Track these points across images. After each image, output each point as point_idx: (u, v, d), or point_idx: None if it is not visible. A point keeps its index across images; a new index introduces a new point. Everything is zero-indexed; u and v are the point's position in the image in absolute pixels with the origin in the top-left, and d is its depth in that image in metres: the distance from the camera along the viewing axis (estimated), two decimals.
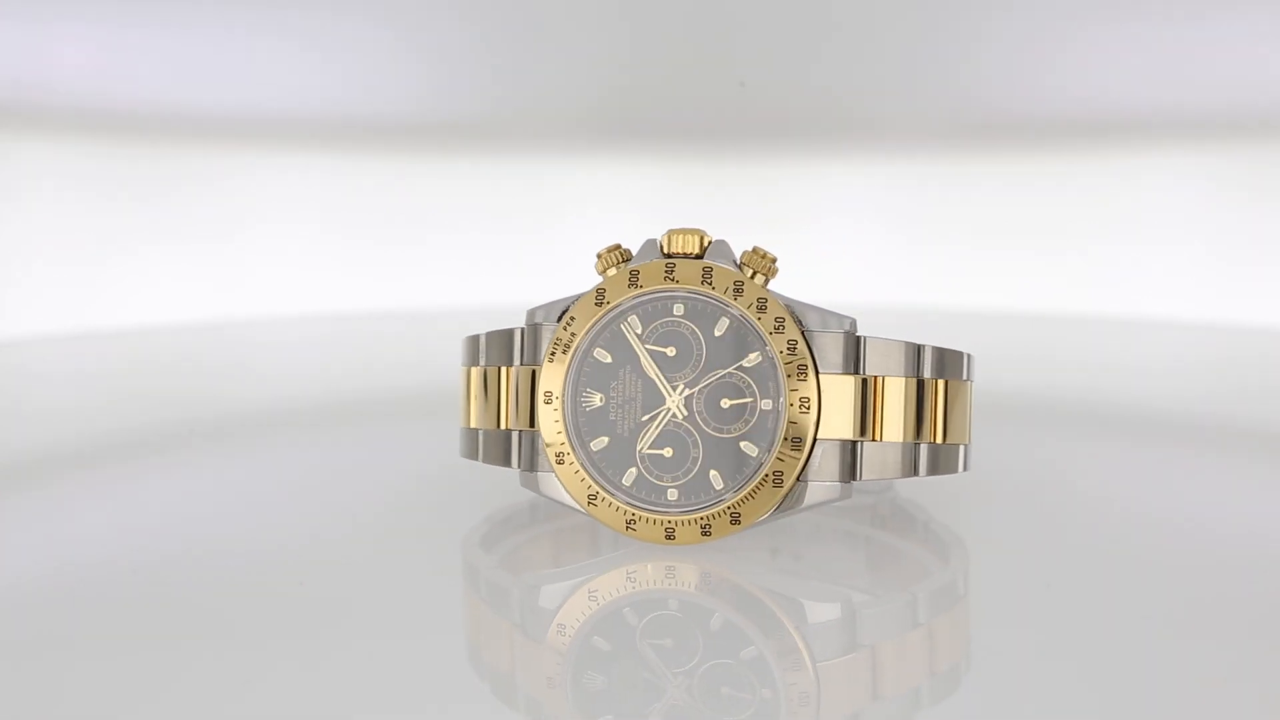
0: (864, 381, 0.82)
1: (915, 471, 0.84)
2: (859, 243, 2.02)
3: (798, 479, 0.81)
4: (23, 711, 0.66)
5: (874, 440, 0.82)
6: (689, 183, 2.01)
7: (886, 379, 0.82)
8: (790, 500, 0.81)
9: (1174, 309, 1.92)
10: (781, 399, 0.81)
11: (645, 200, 1.96)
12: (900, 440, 0.83)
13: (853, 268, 2.01)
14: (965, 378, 0.86)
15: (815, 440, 0.81)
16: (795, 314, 0.82)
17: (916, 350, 0.83)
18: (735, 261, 0.84)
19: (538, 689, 0.70)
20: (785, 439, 0.81)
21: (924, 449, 0.84)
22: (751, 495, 0.81)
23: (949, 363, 0.85)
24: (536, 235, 1.97)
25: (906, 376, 0.83)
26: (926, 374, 0.84)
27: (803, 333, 0.82)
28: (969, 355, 0.86)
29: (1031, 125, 2.01)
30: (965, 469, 0.86)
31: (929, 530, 0.92)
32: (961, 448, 0.86)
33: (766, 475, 0.81)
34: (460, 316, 1.79)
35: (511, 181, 2.00)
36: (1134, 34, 1.94)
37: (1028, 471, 1.08)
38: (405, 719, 0.66)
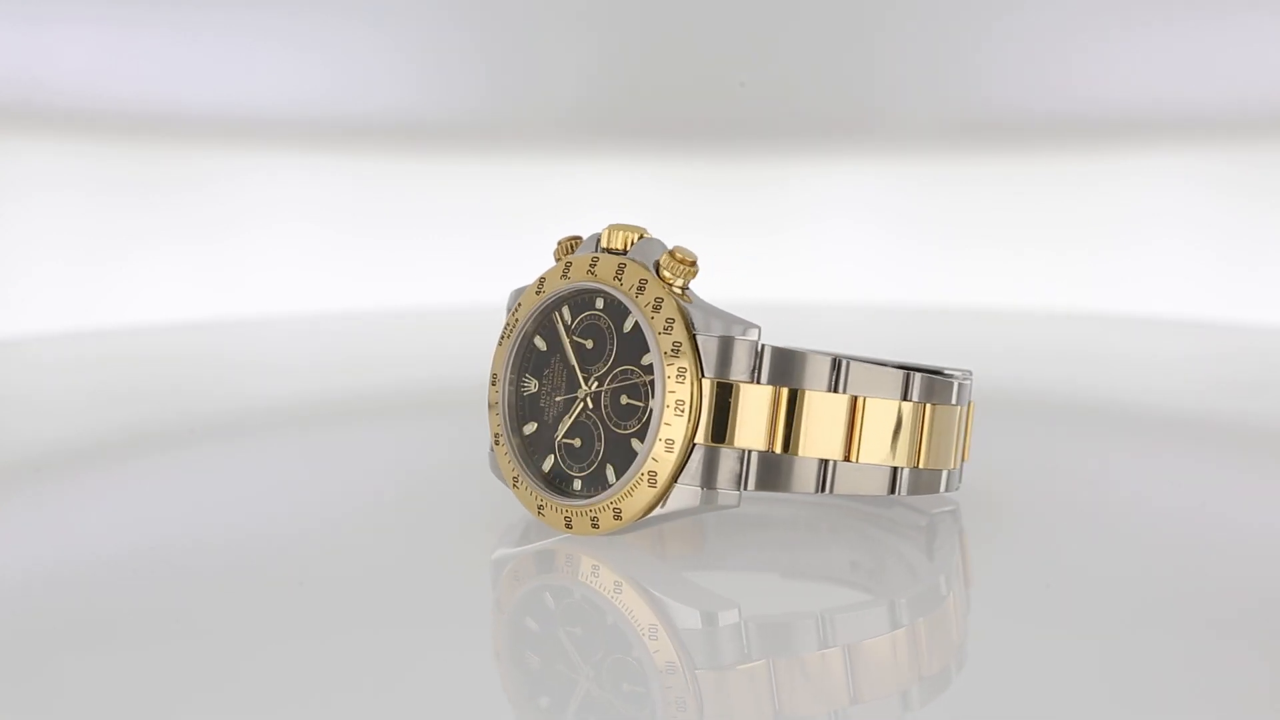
0: (768, 391, 0.81)
1: (829, 489, 0.83)
2: (859, 243, 2.02)
3: (674, 482, 0.81)
4: (26, 710, 0.66)
5: (772, 451, 0.82)
6: (689, 183, 2.01)
7: (787, 390, 0.81)
8: (670, 503, 0.81)
9: (1174, 307, 1.92)
10: (660, 400, 0.81)
11: (645, 200, 1.96)
12: (811, 456, 0.82)
13: (853, 268, 2.01)
14: (906, 398, 0.84)
15: (693, 444, 0.81)
16: (689, 318, 0.81)
17: (835, 364, 0.82)
18: (656, 261, 0.84)
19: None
20: (660, 440, 0.81)
21: (843, 467, 0.83)
22: (630, 493, 0.82)
23: (877, 381, 0.83)
24: (536, 234, 1.96)
25: (823, 390, 0.82)
26: (845, 389, 0.82)
27: (692, 337, 0.81)
28: (910, 373, 0.84)
29: (1033, 125, 2.01)
30: (898, 492, 0.85)
31: (935, 546, 0.91)
32: (905, 470, 0.84)
33: (643, 474, 0.81)
34: (461, 315, 1.79)
35: (511, 181, 2.00)
36: (1135, 35, 1.94)
37: (1027, 469, 1.08)
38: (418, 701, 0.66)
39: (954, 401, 0.87)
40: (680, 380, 0.80)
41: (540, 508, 0.85)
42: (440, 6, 1.96)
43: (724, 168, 2.01)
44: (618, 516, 0.82)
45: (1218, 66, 1.92)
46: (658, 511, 0.81)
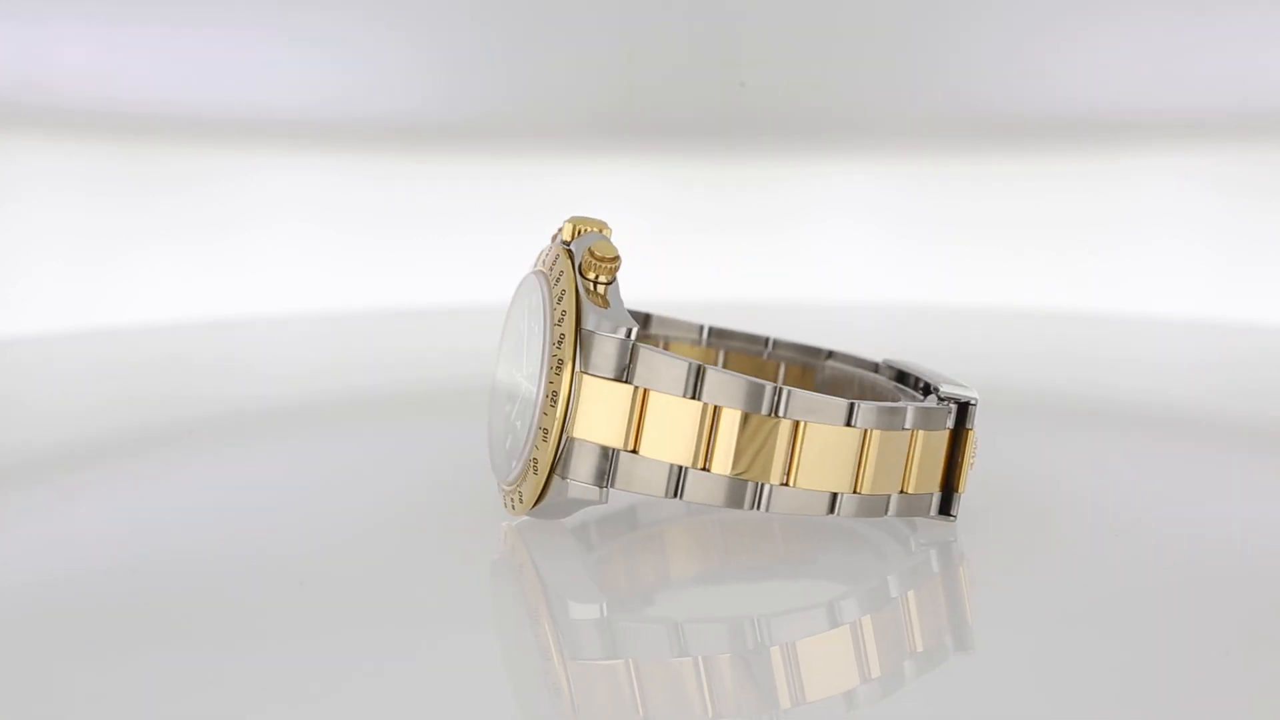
0: (629, 390, 0.80)
1: (680, 495, 0.82)
2: (859, 243, 2.02)
3: (553, 472, 0.82)
4: (26, 711, 0.66)
5: (631, 451, 0.81)
6: (689, 183, 2.01)
7: (652, 393, 0.81)
8: (551, 493, 0.82)
9: (1174, 307, 1.92)
10: (541, 391, 0.82)
11: (645, 200, 1.96)
12: (664, 460, 0.81)
13: (853, 268, 2.01)
14: (779, 414, 0.81)
15: (566, 436, 0.81)
16: (581, 312, 0.81)
17: (696, 371, 0.81)
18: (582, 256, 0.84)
19: None
20: (539, 429, 0.82)
21: (693, 474, 0.81)
22: (524, 479, 0.84)
23: (745, 394, 0.81)
24: (537, 234, 1.96)
25: (679, 395, 0.81)
26: (704, 397, 0.81)
27: (578, 331, 0.81)
28: (790, 391, 0.81)
29: (1032, 125, 2.01)
30: (759, 508, 0.82)
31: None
32: (767, 486, 0.82)
33: (530, 462, 0.83)
34: (461, 315, 1.79)
35: (512, 181, 2.00)
36: (1134, 34, 1.94)
37: (1026, 469, 1.08)
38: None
39: (848, 422, 0.83)
40: (558, 372, 0.81)
41: (499, 484, 0.88)
42: (442, 7, 1.96)
43: (724, 168, 2.01)
44: (520, 500, 0.84)
45: (1218, 66, 1.92)
46: (551, 499, 0.82)
